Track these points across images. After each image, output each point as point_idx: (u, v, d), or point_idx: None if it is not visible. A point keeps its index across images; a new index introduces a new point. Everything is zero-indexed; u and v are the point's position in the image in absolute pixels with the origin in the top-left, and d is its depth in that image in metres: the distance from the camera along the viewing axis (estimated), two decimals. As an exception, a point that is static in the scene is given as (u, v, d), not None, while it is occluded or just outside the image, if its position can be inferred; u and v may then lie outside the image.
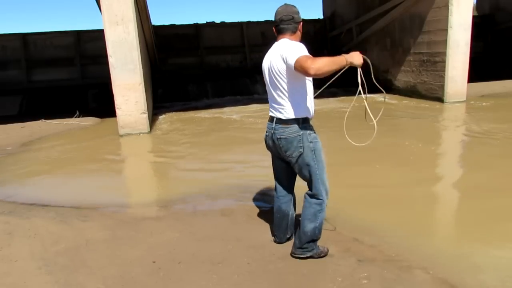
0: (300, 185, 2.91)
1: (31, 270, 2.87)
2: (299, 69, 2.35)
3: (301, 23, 2.69)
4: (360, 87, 2.69)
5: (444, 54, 9.53)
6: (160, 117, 10.06)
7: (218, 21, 15.36)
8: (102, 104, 11.43)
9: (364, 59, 2.55)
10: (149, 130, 8.09)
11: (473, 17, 9.65)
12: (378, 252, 2.91)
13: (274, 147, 2.76)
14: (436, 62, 9.92)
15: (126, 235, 3.38)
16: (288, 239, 3.05)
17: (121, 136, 7.82)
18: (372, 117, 2.78)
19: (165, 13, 48.44)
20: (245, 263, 2.82)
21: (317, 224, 2.73)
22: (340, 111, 8.74)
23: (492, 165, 4.94)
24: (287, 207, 2.96)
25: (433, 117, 8.26)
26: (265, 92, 2.88)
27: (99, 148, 7.10)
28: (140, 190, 5.02)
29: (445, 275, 2.60)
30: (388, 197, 4.02)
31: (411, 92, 11.14)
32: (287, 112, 2.63)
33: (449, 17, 9.25)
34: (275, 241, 3.08)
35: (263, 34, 15.02)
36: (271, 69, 2.64)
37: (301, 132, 2.63)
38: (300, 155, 2.65)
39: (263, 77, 2.82)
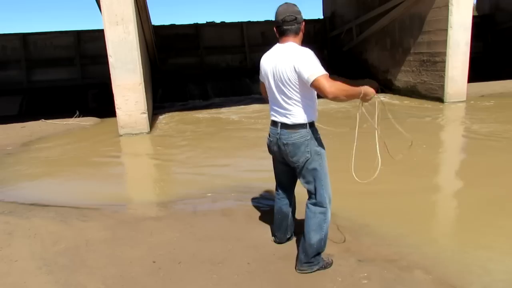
0: (300, 184, 2.91)
1: (31, 270, 2.87)
2: (317, 90, 2.39)
3: (304, 23, 2.62)
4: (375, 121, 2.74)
5: (444, 54, 9.54)
6: (160, 117, 10.06)
7: (218, 21, 15.39)
8: (102, 104, 11.42)
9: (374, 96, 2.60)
10: (149, 130, 8.09)
11: (473, 17, 9.65)
12: (378, 252, 2.91)
13: (279, 152, 2.67)
14: (436, 62, 9.92)
15: (126, 235, 3.38)
16: (288, 239, 3.05)
17: (121, 136, 7.82)
18: (379, 157, 2.76)
19: (165, 13, 48.46)
20: (245, 263, 2.82)
21: (323, 236, 2.64)
22: (341, 111, 8.74)
23: (494, 165, 4.94)
24: (287, 208, 2.95)
25: (436, 117, 8.24)
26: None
27: (99, 148, 7.10)
28: (140, 190, 5.02)
29: (445, 275, 2.60)
30: (388, 197, 4.02)
31: (411, 92, 11.14)
32: (294, 117, 2.54)
33: (449, 17, 9.26)
34: (275, 241, 3.07)
35: (263, 34, 15.02)
36: (277, 75, 2.53)
37: (309, 137, 2.56)
38: (307, 160, 2.57)
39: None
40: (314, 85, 2.36)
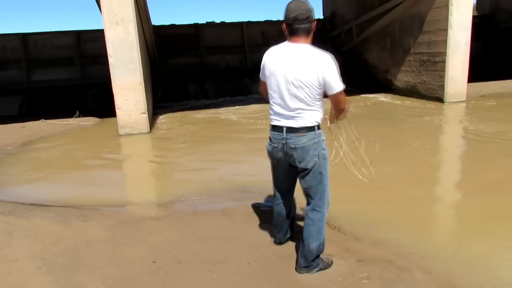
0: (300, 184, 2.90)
1: (31, 270, 2.87)
2: (334, 100, 2.49)
3: (315, 22, 2.47)
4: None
5: (444, 54, 9.53)
6: (160, 117, 10.06)
7: (218, 21, 15.36)
8: (102, 104, 11.41)
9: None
10: (149, 130, 8.09)
11: (473, 17, 9.64)
12: (378, 252, 2.91)
13: (285, 158, 2.57)
14: (436, 62, 9.92)
15: (126, 235, 3.38)
16: (288, 239, 3.05)
17: (121, 136, 7.81)
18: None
19: (165, 13, 48.42)
20: (245, 263, 2.82)
21: (322, 240, 2.64)
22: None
23: (497, 166, 4.93)
24: (288, 211, 2.92)
25: (436, 117, 8.22)
26: None
27: (99, 148, 7.09)
28: (140, 190, 5.02)
29: (445, 275, 2.60)
30: (388, 197, 4.02)
31: (411, 92, 11.13)
32: (303, 119, 2.46)
33: (449, 17, 9.25)
34: (275, 242, 3.07)
35: (263, 34, 15.01)
36: (291, 77, 2.40)
37: (317, 140, 2.49)
38: (315, 164, 2.51)
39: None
40: (336, 96, 2.42)
